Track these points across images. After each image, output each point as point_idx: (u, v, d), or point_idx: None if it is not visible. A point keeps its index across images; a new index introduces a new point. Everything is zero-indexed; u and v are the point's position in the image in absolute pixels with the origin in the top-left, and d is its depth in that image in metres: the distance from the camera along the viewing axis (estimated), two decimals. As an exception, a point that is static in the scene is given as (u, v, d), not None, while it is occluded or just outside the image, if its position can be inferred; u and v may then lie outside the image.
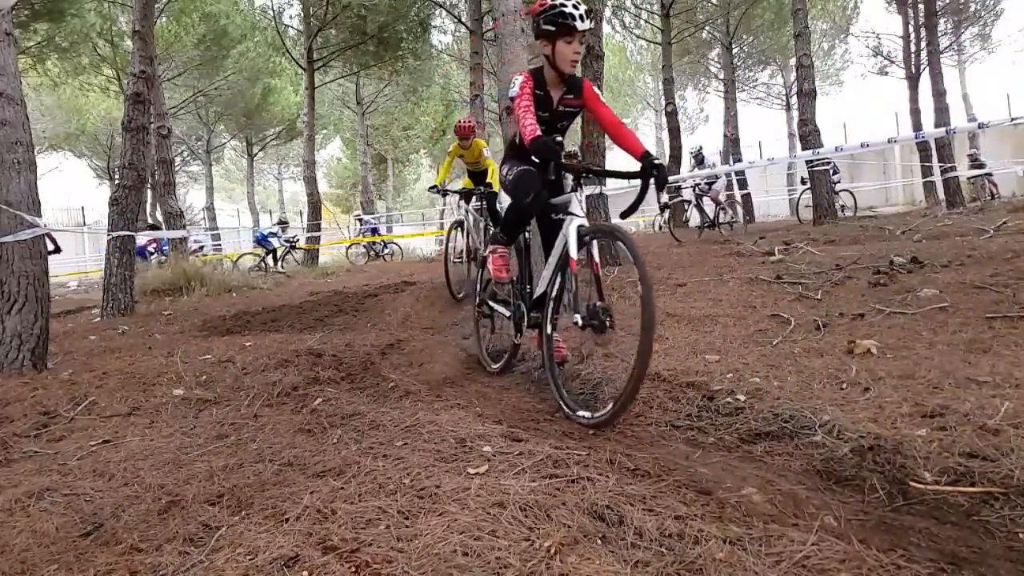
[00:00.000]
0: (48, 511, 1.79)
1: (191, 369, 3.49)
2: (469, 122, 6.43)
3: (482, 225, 5.95)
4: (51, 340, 3.95)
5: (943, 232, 5.84)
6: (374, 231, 16.97)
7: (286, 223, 14.45)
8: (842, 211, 11.55)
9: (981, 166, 13.53)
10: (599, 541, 1.40)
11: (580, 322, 2.48)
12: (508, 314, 3.17)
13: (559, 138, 2.81)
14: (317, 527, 1.52)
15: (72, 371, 3.59)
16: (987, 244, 4.54)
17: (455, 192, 6.28)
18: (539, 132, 2.61)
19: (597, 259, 2.48)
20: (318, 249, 15.68)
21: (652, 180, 2.55)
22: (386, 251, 15.58)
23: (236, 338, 4.50)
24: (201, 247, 14.59)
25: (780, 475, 1.80)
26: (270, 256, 13.16)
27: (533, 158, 2.76)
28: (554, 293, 2.67)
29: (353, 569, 1.33)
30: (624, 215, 2.85)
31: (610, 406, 2.24)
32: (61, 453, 2.32)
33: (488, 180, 6.22)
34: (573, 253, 2.54)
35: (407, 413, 2.50)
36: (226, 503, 1.75)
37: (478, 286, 3.65)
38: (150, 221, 15.86)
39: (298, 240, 14.32)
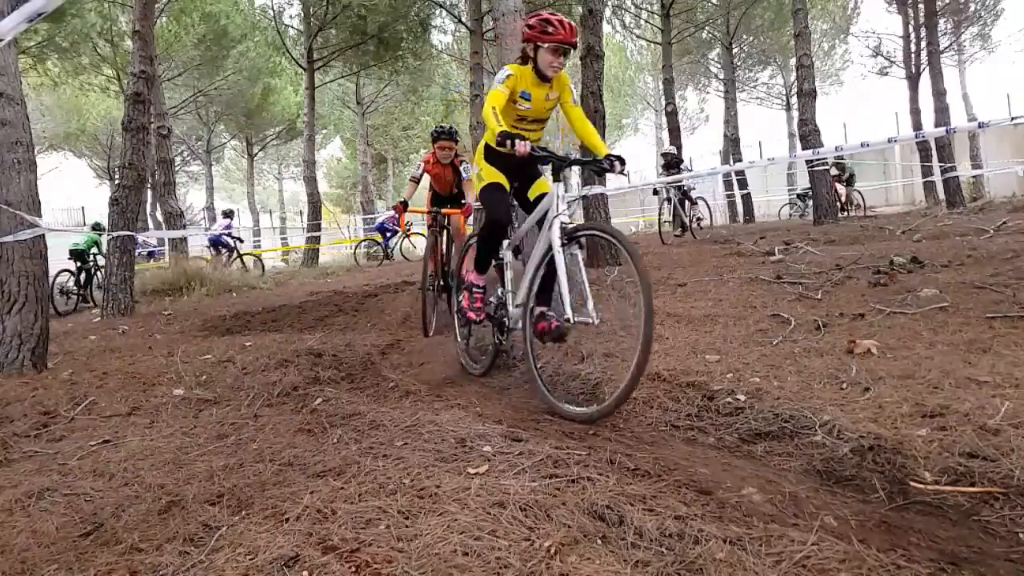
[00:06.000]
0: (48, 511, 1.79)
1: (191, 369, 3.49)
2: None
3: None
4: (51, 340, 3.95)
5: (943, 232, 5.84)
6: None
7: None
8: (683, 232, 9.57)
9: (844, 170, 12.30)
10: (599, 541, 1.40)
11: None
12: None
13: None
14: (317, 527, 1.52)
15: (72, 371, 3.59)
16: (987, 244, 4.54)
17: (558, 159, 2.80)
18: None
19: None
20: (318, 249, 15.64)
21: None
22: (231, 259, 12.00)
23: (236, 338, 4.50)
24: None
25: (780, 475, 1.80)
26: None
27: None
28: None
29: (353, 569, 1.33)
30: None
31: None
32: (61, 453, 2.32)
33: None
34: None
35: (407, 413, 2.50)
36: (226, 503, 1.75)
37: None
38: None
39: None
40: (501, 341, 3.11)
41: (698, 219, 10.01)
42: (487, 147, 3.06)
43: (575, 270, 2.57)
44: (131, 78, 6.65)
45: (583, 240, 2.66)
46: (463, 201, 4.93)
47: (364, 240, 15.27)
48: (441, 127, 4.97)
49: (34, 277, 3.68)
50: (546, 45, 2.77)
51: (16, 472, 2.14)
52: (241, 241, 12.54)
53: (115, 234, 6.40)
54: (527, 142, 2.59)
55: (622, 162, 2.76)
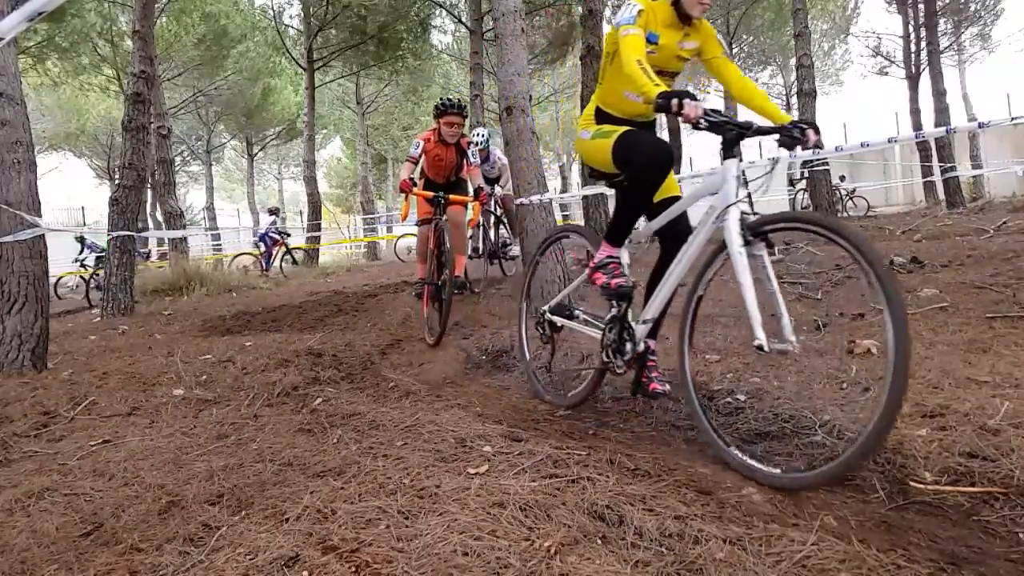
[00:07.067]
0: (48, 511, 1.79)
1: (191, 369, 3.49)
2: None
3: None
4: (51, 340, 3.95)
5: (943, 232, 5.84)
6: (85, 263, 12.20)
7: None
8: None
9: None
10: (599, 541, 1.40)
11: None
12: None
13: None
14: (317, 527, 1.52)
15: (72, 371, 3.59)
16: (987, 244, 4.54)
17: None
18: None
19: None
20: (318, 249, 15.62)
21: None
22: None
23: (236, 338, 4.50)
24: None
25: (780, 475, 1.79)
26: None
27: None
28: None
29: (353, 569, 1.33)
30: None
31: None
32: (61, 453, 2.32)
33: None
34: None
35: (407, 413, 2.50)
36: (226, 503, 1.75)
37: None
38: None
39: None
40: (613, 363, 2.37)
41: None
42: (599, 111, 2.46)
43: (764, 279, 1.87)
44: (131, 78, 6.64)
45: (774, 238, 1.91)
46: (479, 187, 4.29)
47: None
48: (448, 100, 4.29)
49: (34, 277, 3.68)
50: None
51: (16, 472, 2.14)
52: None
53: (115, 234, 6.40)
54: (699, 103, 1.89)
55: (816, 130, 2.05)
